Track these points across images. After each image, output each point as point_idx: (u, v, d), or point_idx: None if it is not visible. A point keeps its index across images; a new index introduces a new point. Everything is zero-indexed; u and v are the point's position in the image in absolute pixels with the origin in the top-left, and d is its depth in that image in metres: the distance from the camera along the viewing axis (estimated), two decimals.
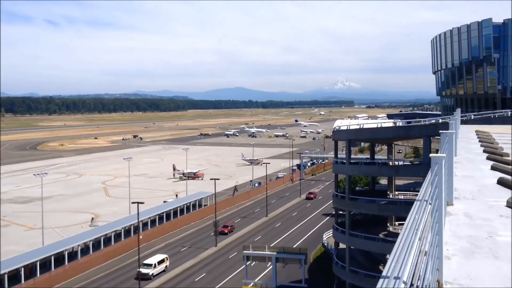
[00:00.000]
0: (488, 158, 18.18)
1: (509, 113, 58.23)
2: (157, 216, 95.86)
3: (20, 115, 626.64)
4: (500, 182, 13.27)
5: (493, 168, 15.95)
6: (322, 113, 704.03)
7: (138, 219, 77.21)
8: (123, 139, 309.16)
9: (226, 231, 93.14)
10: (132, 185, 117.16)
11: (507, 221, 9.58)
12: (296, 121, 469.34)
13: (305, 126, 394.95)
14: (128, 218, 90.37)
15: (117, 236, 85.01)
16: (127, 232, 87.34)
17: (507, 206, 10.67)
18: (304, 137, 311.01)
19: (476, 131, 31.10)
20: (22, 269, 65.38)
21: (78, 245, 76.08)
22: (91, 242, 78.56)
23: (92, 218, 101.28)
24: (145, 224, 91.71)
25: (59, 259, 72.43)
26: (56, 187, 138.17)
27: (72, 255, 75.26)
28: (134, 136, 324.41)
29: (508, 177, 13.64)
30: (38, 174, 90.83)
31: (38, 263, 67.88)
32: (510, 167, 15.58)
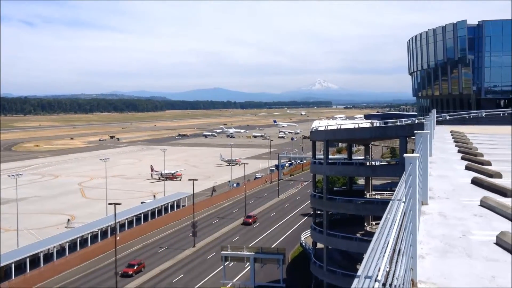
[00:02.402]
0: (462, 158, 18.44)
1: (484, 113, 59.16)
2: (134, 217, 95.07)
3: None
4: (474, 181, 13.46)
5: (467, 168, 16.18)
6: (303, 113, 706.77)
7: (115, 220, 76.57)
8: (99, 140, 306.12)
9: (130, 272, 71.87)
10: (109, 186, 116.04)
11: (480, 220, 9.71)
12: (275, 121, 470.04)
13: (283, 126, 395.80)
14: (105, 219, 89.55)
15: (94, 237, 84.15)
16: (104, 233, 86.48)
17: (481, 205, 10.83)
18: (283, 137, 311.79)
19: (451, 132, 31.53)
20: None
21: (54, 247, 75.04)
22: (67, 244, 77.59)
23: (68, 220, 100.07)
24: (122, 225, 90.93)
25: (34, 261, 71.37)
26: (31, 188, 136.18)
27: (48, 256, 74.25)
28: (111, 137, 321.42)
29: (482, 176, 13.85)
30: (13, 175, 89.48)
31: (13, 265, 66.85)
32: (484, 167, 15.83)
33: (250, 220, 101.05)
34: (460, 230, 9.00)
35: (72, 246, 78.87)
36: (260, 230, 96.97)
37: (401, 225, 5.76)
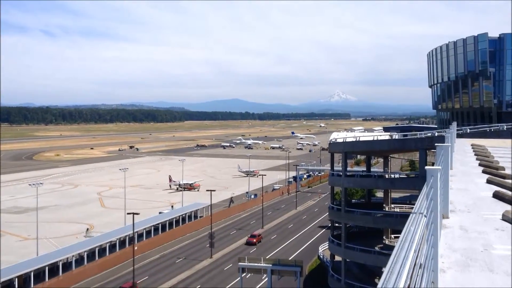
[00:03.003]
0: (483, 172, 18.24)
1: (505, 127, 58.43)
2: (152, 227, 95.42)
3: (16, 125, 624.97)
4: (496, 195, 13.30)
5: (488, 181, 15.99)
6: (323, 125, 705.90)
7: (133, 230, 76.97)
8: (119, 150, 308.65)
9: None
10: (128, 195, 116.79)
11: (502, 235, 9.59)
12: (293, 133, 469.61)
13: (301, 138, 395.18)
14: (123, 229, 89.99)
15: (112, 247, 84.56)
16: (122, 243, 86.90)
17: (503, 219, 10.70)
18: (301, 149, 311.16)
19: (471, 145, 31.21)
20: (16, 279, 64.94)
21: (73, 256, 75.58)
22: (85, 253, 78.10)
23: (87, 229, 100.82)
24: (140, 235, 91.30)
25: (53, 269, 71.92)
26: (51, 197, 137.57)
27: (67, 265, 74.79)
28: (131, 147, 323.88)
29: (504, 190, 13.68)
30: (33, 184, 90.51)
31: (32, 273, 67.46)
32: (506, 180, 15.64)
33: (254, 240, 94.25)
34: (481, 244, 8.90)
35: (91, 255, 79.36)
36: (277, 242, 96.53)
37: (421, 238, 5.73)
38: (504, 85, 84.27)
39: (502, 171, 17.84)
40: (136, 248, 78.93)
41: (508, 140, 39.19)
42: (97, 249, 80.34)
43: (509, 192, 13.45)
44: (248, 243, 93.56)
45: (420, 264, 5.24)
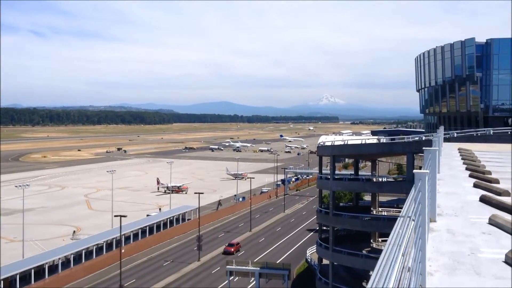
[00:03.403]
0: (470, 176, 18.37)
1: (491, 131, 58.93)
2: (139, 230, 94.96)
3: (3, 126, 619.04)
4: (483, 199, 13.40)
5: (475, 185, 16.11)
6: (312, 128, 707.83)
7: (120, 232, 76.54)
8: (107, 152, 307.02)
9: None
10: (115, 198, 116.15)
11: (489, 238, 9.66)
12: (281, 136, 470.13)
13: (290, 141, 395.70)
14: (110, 232, 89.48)
15: (99, 249, 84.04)
16: (109, 245, 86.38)
17: (489, 223, 10.77)
18: (289, 152, 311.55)
19: (458, 149, 31.43)
20: (1, 282, 64.26)
21: (59, 258, 74.98)
22: (72, 256, 77.56)
23: (74, 231, 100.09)
24: (127, 238, 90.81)
25: (39, 272, 71.32)
26: (38, 199, 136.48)
27: (53, 268, 74.17)
28: (118, 149, 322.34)
29: (490, 194, 13.79)
30: (20, 185, 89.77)
31: (18, 276, 66.80)
32: (492, 184, 15.76)
33: (232, 249, 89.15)
34: (468, 247, 8.95)
35: (77, 258, 78.82)
36: (265, 245, 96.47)
37: (409, 241, 5.75)
38: (491, 90, 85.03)
39: (489, 175, 17.98)
40: (123, 250, 78.49)
41: (495, 145, 39.55)
42: (84, 251, 79.80)
43: (495, 196, 13.55)
44: (226, 253, 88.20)
45: (408, 268, 5.25)
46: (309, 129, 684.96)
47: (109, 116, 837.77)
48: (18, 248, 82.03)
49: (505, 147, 37.13)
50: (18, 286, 66.49)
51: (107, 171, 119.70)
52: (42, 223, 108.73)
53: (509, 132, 59.68)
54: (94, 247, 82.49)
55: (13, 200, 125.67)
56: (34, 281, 69.13)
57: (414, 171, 7.80)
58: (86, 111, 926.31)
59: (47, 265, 72.17)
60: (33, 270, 69.51)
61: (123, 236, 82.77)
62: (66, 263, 76.64)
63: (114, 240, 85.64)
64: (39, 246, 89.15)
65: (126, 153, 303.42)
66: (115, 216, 77.05)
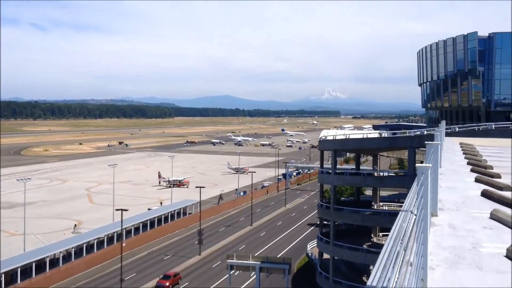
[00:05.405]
0: (472, 170, 18.32)
1: (493, 126, 58.83)
2: (141, 224, 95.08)
3: (5, 119, 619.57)
4: (484, 194, 13.35)
5: (477, 180, 16.06)
6: (315, 122, 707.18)
7: (121, 226, 76.66)
8: (108, 146, 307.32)
9: None
10: (117, 192, 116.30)
11: (490, 233, 9.62)
12: (283, 130, 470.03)
13: (291, 135, 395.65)
14: (112, 225, 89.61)
15: (100, 243, 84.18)
16: (110, 239, 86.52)
17: (491, 218, 10.73)
18: (290, 146, 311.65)
19: (460, 143, 31.36)
20: (3, 275, 64.44)
21: (60, 252, 75.13)
22: (73, 249, 77.68)
23: (75, 225, 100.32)
24: (128, 232, 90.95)
25: (40, 265, 71.47)
26: (39, 192, 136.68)
27: (54, 261, 74.31)
28: (120, 143, 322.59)
29: (492, 189, 13.74)
30: (21, 179, 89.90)
31: (19, 269, 66.94)
32: (494, 179, 15.71)
33: (167, 284, 69.78)
34: (470, 242, 8.92)
35: (78, 251, 78.94)
36: (266, 239, 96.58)
37: (411, 235, 5.71)
38: (493, 84, 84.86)
39: (491, 170, 17.93)
40: (124, 244, 78.59)
41: (497, 139, 39.47)
42: (84, 245, 79.92)
43: (497, 191, 13.51)
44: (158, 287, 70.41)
45: (410, 262, 5.21)
46: (312, 123, 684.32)
47: (110, 110, 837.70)
48: (20, 242, 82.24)
49: (506, 141, 37.04)
50: (19, 280, 66.65)
51: (109, 165, 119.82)
52: (43, 217, 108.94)
53: (511, 127, 59.59)
54: (95, 241, 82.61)
55: (15, 194, 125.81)
56: (35, 274, 69.28)
57: (417, 165, 7.75)
58: (88, 104, 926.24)
59: (48, 259, 72.29)
60: (34, 264, 69.67)
61: (124, 230, 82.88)
62: (67, 256, 76.76)
63: (115, 234, 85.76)
64: (40, 240, 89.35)
65: (128, 147, 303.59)
66: (116, 210, 77.19)
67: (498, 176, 16.59)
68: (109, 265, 78.86)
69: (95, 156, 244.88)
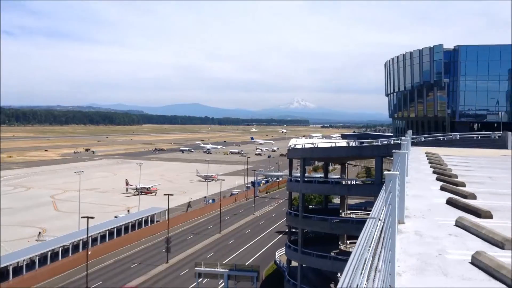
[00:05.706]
0: (437, 179, 18.65)
1: (458, 136, 60.10)
2: (107, 232, 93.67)
3: None
4: (449, 202, 13.60)
5: (442, 188, 16.35)
6: (284, 131, 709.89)
7: (87, 234, 75.41)
8: (74, 152, 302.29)
9: None
10: (83, 199, 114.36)
11: (456, 240, 9.79)
12: (252, 138, 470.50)
13: (260, 143, 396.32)
14: (77, 233, 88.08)
15: (65, 251, 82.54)
16: (76, 247, 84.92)
17: (456, 225, 10.93)
18: (260, 154, 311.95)
19: (426, 153, 31.89)
20: None
21: (24, 260, 73.42)
22: (37, 257, 75.97)
23: (39, 233, 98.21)
24: (94, 240, 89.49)
25: (3, 274, 69.64)
26: (2, 200, 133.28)
27: (17, 270, 72.58)
28: (86, 150, 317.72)
29: (457, 197, 14.01)
30: None
31: None
32: (459, 188, 16.02)
33: None
34: (436, 249, 9.05)
35: (43, 259, 77.26)
36: (234, 247, 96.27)
37: (378, 242, 5.76)
38: (458, 95, 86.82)
39: (455, 179, 18.28)
40: (90, 252, 77.31)
41: (461, 149, 40.29)
42: (49, 253, 78.28)
43: (462, 199, 13.77)
44: None
45: (378, 268, 5.26)
46: (282, 132, 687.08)
47: (77, 116, 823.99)
48: None
49: (470, 151, 37.89)
50: None
51: (75, 172, 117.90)
52: (7, 224, 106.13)
53: (474, 137, 61.02)
54: (60, 249, 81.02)
55: None
56: None
57: (385, 172, 7.85)
58: (54, 111, 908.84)
59: (11, 267, 70.56)
60: None
61: (90, 238, 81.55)
62: (31, 264, 75.04)
63: (81, 241, 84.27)
64: (3, 247, 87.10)
65: (94, 154, 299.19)
66: (82, 217, 75.91)
67: (463, 184, 16.92)
68: (75, 273, 77.40)
69: (61, 163, 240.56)
